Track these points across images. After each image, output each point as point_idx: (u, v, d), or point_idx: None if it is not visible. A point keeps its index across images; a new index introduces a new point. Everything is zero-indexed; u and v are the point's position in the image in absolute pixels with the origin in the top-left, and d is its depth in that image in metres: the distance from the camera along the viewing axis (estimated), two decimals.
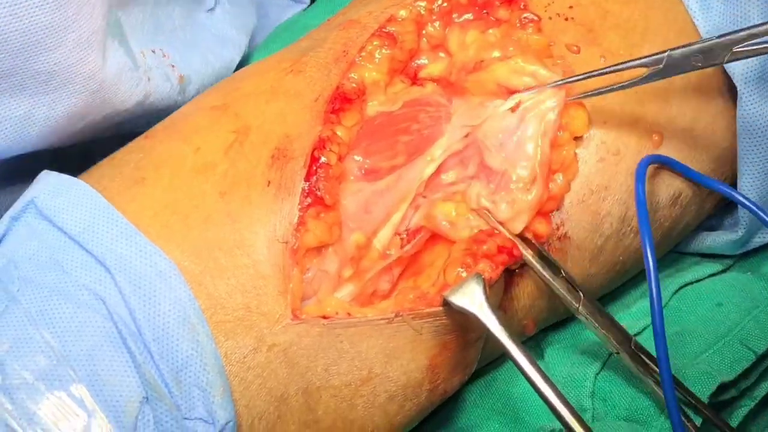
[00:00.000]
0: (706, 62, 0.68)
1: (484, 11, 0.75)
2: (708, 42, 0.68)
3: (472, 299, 0.65)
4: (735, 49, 0.67)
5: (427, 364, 0.68)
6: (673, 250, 0.85)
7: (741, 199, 0.74)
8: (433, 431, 0.78)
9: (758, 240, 0.81)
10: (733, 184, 0.79)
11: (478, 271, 0.67)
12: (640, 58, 0.70)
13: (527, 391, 0.73)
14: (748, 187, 0.77)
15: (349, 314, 0.66)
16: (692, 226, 0.82)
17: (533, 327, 0.77)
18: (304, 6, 1.10)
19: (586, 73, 0.71)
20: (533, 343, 0.81)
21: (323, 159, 0.68)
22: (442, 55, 0.74)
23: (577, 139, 0.73)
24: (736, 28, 0.73)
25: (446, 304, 0.67)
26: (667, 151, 0.76)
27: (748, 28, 0.67)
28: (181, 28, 0.86)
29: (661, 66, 0.69)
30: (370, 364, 0.66)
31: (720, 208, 0.84)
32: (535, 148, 0.70)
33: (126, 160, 0.71)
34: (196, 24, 0.89)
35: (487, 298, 0.65)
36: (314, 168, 0.68)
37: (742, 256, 0.85)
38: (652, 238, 0.68)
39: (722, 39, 0.67)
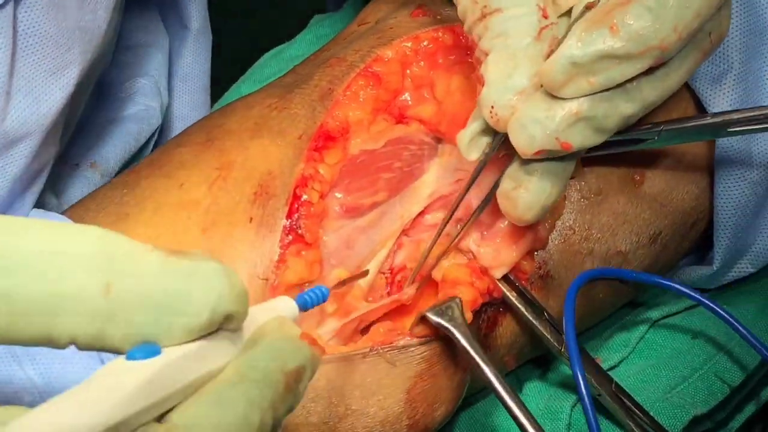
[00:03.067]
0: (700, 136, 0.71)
1: (468, 53, 0.75)
2: (702, 120, 0.69)
3: (449, 317, 0.67)
4: (730, 129, 0.68)
5: (404, 398, 0.68)
6: None
7: (682, 288, 0.76)
8: None
9: (733, 274, 0.82)
10: (711, 220, 0.80)
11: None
12: (637, 130, 0.69)
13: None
14: (724, 222, 0.78)
15: (324, 351, 0.66)
16: (671, 263, 0.83)
17: (514, 363, 0.77)
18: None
19: None
20: (511, 374, 0.82)
21: (305, 197, 0.68)
22: (426, 95, 0.74)
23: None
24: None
25: (424, 320, 0.67)
26: (649, 189, 0.76)
27: (746, 110, 0.68)
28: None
29: (656, 138, 0.69)
30: (347, 400, 0.66)
31: (697, 245, 0.84)
32: None
33: (110, 195, 0.71)
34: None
35: (464, 317, 0.67)
36: (296, 206, 0.68)
37: (718, 290, 0.85)
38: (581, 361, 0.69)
39: (716, 119, 0.68)
